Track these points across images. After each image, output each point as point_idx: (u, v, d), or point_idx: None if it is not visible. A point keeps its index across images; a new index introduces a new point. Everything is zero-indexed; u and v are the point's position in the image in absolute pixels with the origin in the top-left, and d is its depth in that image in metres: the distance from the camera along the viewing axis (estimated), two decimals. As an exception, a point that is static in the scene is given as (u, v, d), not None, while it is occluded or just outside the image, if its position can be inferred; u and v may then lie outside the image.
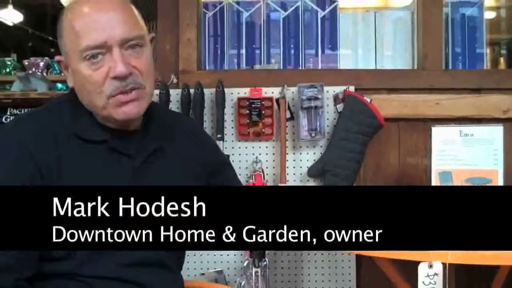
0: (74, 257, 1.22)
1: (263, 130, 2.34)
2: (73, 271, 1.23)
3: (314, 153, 2.35)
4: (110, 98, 1.23)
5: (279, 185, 2.30)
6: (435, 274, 1.32)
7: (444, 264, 1.33)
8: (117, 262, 1.24)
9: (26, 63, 3.33)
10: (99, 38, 1.21)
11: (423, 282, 1.32)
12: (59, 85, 3.08)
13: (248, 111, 2.34)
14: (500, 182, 1.83)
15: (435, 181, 1.89)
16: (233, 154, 2.34)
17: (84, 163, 1.25)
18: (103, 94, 1.23)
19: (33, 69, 3.24)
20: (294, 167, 2.36)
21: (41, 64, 3.30)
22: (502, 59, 2.73)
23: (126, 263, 1.25)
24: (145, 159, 1.30)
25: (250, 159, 2.35)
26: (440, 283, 1.31)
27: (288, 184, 2.32)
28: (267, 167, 2.35)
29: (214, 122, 2.35)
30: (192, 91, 2.32)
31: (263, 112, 2.33)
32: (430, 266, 1.34)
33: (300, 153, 2.36)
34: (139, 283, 1.26)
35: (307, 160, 2.35)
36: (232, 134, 2.37)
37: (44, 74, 3.23)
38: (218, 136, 2.31)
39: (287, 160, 2.33)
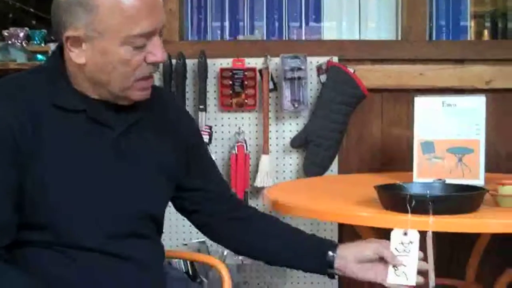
0: (52, 227, 1.21)
1: (246, 101, 2.32)
2: (51, 241, 1.22)
3: (297, 124, 2.34)
4: (136, 82, 1.24)
5: (262, 155, 2.30)
6: (410, 242, 1.30)
7: (421, 233, 1.33)
8: (95, 232, 1.24)
9: (6, 33, 3.27)
10: (152, 25, 1.21)
11: (396, 248, 1.30)
12: (39, 56, 3.03)
13: (230, 82, 2.32)
14: (481, 152, 1.83)
15: (417, 151, 1.88)
16: (215, 125, 2.33)
17: (63, 134, 1.23)
18: (133, 77, 1.23)
19: (13, 40, 3.18)
20: (277, 138, 2.35)
21: (21, 34, 3.24)
22: (486, 32, 2.72)
23: (104, 233, 1.24)
24: (125, 129, 1.28)
25: (233, 130, 2.34)
26: (415, 252, 1.29)
27: (270, 155, 2.31)
28: (249, 138, 2.34)
29: (196, 93, 2.33)
30: (174, 61, 2.30)
31: (246, 83, 2.32)
32: (405, 234, 1.32)
33: (283, 124, 2.35)
34: (118, 254, 1.26)
35: (290, 131, 2.35)
36: (215, 105, 2.35)
37: (24, 44, 3.18)
38: (201, 107, 2.30)
39: (270, 131, 2.33)
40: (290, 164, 2.36)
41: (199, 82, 2.31)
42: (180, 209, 1.46)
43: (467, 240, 2.08)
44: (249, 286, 2.37)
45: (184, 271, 2.23)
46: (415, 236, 1.31)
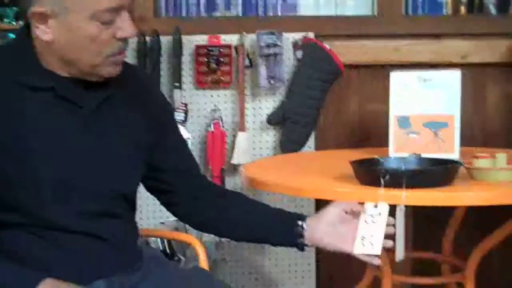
0: (22, 207, 1.20)
1: (222, 78, 2.30)
2: (22, 221, 1.21)
3: (274, 101, 2.33)
4: (106, 58, 1.21)
5: (239, 132, 2.29)
6: (379, 214, 1.31)
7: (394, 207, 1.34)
8: (66, 212, 1.22)
9: (-24, 12, 3.20)
10: (120, 1, 1.19)
11: (365, 221, 1.32)
12: (11, 35, 2.97)
13: (206, 59, 2.29)
14: (457, 126, 1.84)
15: (393, 126, 1.89)
16: (191, 103, 2.31)
17: (30, 112, 1.21)
18: (103, 53, 1.21)
19: (-17, 18, 3.11)
20: (253, 115, 2.34)
21: (-8, 13, 3.17)
22: (462, 7, 2.72)
23: (76, 213, 1.23)
24: (96, 107, 1.26)
25: (209, 108, 2.32)
26: (383, 223, 1.30)
27: (247, 132, 2.31)
28: (226, 115, 2.33)
29: (171, 70, 2.30)
30: (148, 39, 2.26)
31: (222, 60, 2.29)
32: (375, 206, 1.33)
33: (260, 101, 2.34)
34: (90, 233, 1.25)
35: (267, 108, 2.33)
36: (190, 83, 2.33)
37: (-5, 23, 3.11)
38: (176, 84, 2.28)
39: (247, 108, 2.32)
40: (267, 141, 2.36)
41: (174, 60, 2.28)
42: (149, 187, 1.44)
43: (444, 213, 2.10)
44: (228, 263, 2.38)
45: (161, 249, 2.24)
46: (384, 208, 1.32)
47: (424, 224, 2.43)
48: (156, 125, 1.37)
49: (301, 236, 1.36)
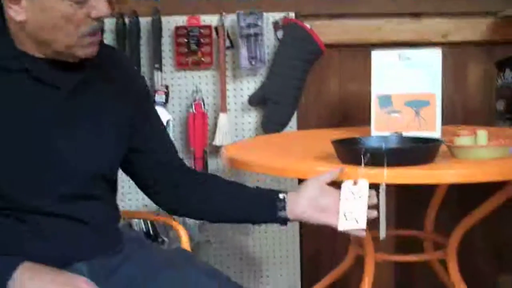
0: (5, 192, 1.19)
1: (202, 59, 2.28)
2: (7, 207, 1.20)
3: (255, 82, 2.32)
4: (81, 38, 1.19)
5: (220, 113, 2.28)
6: (359, 190, 1.32)
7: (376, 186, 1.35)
8: (44, 195, 1.21)
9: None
10: None
11: (346, 198, 1.32)
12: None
13: (186, 40, 2.27)
14: (438, 105, 1.84)
15: (374, 106, 1.88)
16: (172, 85, 2.29)
17: (4, 95, 1.19)
18: (78, 33, 1.18)
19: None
20: (234, 96, 2.33)
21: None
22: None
23: (54, 195, 1.22)
24: (73, 89, 1.24)
25: (190, 89, 2.30)
26: (365, 198, 1.31)
27: (228, 113, 2.29)
28: (207, 97, 2.31)
29: (151, 52, 2.28)
30: (127, 20, 2.23)
31: (202, 41, 2.27)
32: (355, 183, 1.34)
33: (241, 82, 2.33)
34: (70, 216, 1.24)
35: (248, 89, 2.32)
36: (171, 65, 2.31)
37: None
38: (156, 66, 2.26)
39: (228, 89, 2.30)
40: (249, 122, 2.35)
41: (153, 41, 2.26)
42: (126, 171, 1.43)
43: (427, 192, 2.11)
44: (212, 244, 2.38)
45: (144, 231, 2.23)
46: (364, 185, 1.33)
47: (407, 203, 2.45)
48: (134, 108, 1.35)
49: (283, 209, 1.36)
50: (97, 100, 1.29)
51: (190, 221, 2.21)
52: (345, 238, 2.04)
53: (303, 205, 1.35)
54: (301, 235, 2.41)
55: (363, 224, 1.30)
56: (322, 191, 1.35)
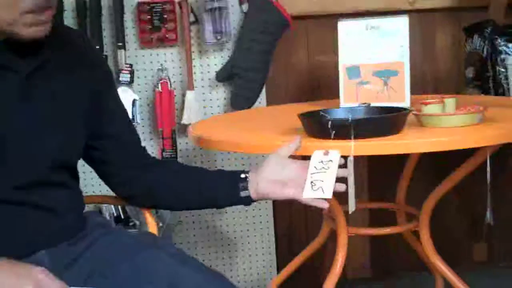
0: None
1: (167, 35, 2.24)
2: None
3: (222, 57, 2.28)
4: (23, 15, 1.13)
5: (187, 91, 2.24)
6: (330, 160, 1.30)
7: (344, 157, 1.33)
8: (3, 182, 1.17)
9: None
10: None
11: (315, 167, 1.30)
12: None
13: (149, 17, 2.22)
14: (406, 74, 1.82)
15: (343, 77, 1.86)
16: (136, 63, 2.24)
17: None
18: (18, 9, 1.12)
19: None
20: (201, 73, 2.29)
21: None
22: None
23: (14, 183, 1.18)
24: (31, 72, 1.20)
25: (155, 67, 2.26)
26: (334, 168, 1.29)
27: (196, 90, 2.26)
28: (173, 74, 2.27)
29: (113, 30, 2.22)
30: (87, -2, 2.18)
31: (165, 16, 2.22)
32: (326, 153, 1.32)
33: (207, 58, 2.29)
34: (30, 203, 1.20)
35: (215, 65, 2.28)
36: (134, 42, 2.26)
37: None
38: (119, 44, 2.21)
39: (194, 66, 2.26)
40: (217, 99, 2.32)
41: (115, 19, 2.20)
42: (88, 159, 1.39)
43: (399, 163, 2.10)
44: (184, 225, 2.36)
45: (115, 215, 2.20)
46: (335, 155, 1.31)
47: (379, 175, 2.45)
48: (94, 91, 1.31)
49: (245, 189, 1.34)
50: (56, 84, 1.24)
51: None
52: (318, 214, 2.03)
53: (266, 181, 1.33)
54: (274, 213, 2.40)
55: (329, 194, 1.27)
56: (284, 164, 1.33)
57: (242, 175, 1.35)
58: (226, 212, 2.37)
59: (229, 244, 2.40)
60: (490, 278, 2.47)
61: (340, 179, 1.32)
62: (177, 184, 1.39)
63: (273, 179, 1.32)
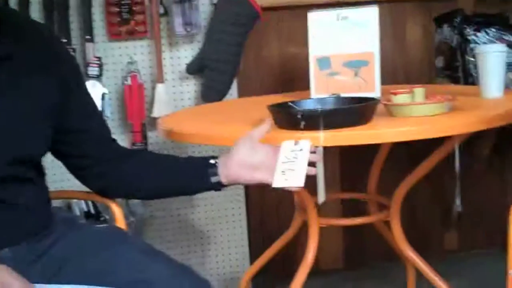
0: None
1: (136, 28, 2.22)
2: None
3: (192, 49, 2.27)
4: None
5: (157, 84, 2.22)
6: (300, 150, 1.30)
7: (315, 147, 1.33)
8: None
9: None
10: None
11: (285, 156, 1.29)
12: None
13: (118, 9, 2.20)
14: (376, 64, 1.83)
15: (313, 68, 1.86)
16: (105, 56, 2.22)
17: None
18: None
19: None
20: (172, 65, 2.28)
21: None
22: None
23: None
24: None
25: (124, 60, 2.24)
26: (305, 158, 1.28)
27: (166, 83, 2.24)
28: (143, 67, 2.25)
29: (81, 23, 2.20)
30: (54, -10, 2.15)
31: (134, 8, 2.20)
32: (296, 143, 1.32)
33: (178, 50, 2.28)
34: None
35: (185, 57, 2.27)
36: (103, 35, 2.23)
37: None
38: (87, 37, 2.18)
39: (164, 58, 2.25)
40: (188, 92, 2.31)
41: (83, 11, 2.18)
42: (56, 153, 1.38)
43: (371, 153, 2.11)
44: (156, 219, 2.34)
45: (85, 210, 2.18)
46: (305, 145, 1.30)
47: (352, 165, 2.46)
48: (62, 85, 1.29)
49: (215, 175, 1.34)
50: (22, 79, 1.22)
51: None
52: (290, 205, 2.04)
53: (235, 166, 1.32)
54: (247, 205, 2.40)
55: (300, 183, 1.26)
56: (254, 148, 1.32)
57: (212, 161, 1.35)
58: (199, 206, 2.37)
59: (201, 238, 2.39)
60: (461, 266, 2.50)
61: (311, 165, 1.31)
62: (148, 173, 1.38)
63: (244, 163, 1.32)
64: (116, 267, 1.17)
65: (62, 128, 1.32)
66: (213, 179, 1.34)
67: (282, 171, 1.28)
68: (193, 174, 1.36)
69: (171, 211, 2.36)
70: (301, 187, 1.27)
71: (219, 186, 1.36)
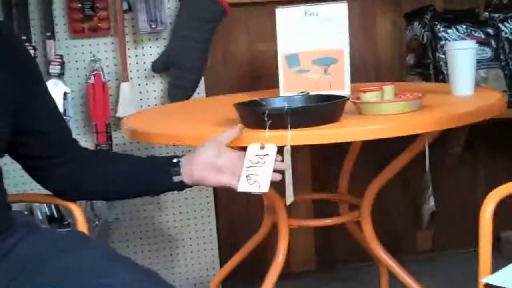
0: None
1: (99, 24, 2.19)
2: None
3: (158, 46, 2.25)
4: None
5: (122, 83, 2.20)
6: (266, 154, 1.31)
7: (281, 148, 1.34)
8: None
9: None
10: None
11: (250, 160, 1.31)
12: None
13: (80, 5, 2.17)
14: (346, 61, 1.82)
15: (282, 66, 1.85)
16: (67, 54, 2.19)
17: None
18: None
19: None
20: (137, 63, 2.26)
21: None
22: None
23: None
24: None
25: (87, 58, 2.21)
26: (270, 163, 1.30)
27: (131, 82, 2.22)
28: (107, 65, 2.23)
29: (41, 19, 2.16)
30: (13, -13, 2.12)
31: (97, 4, 2.17)
32: (262, 148, 1.33)
33: (143, 48, 2.25)
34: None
35: (151, 55, 2.25)
36: (65, 32, 2.20)
37: None
38: (48, 34, 2.15)
39: (129, 56, 2.22)
40: (154, 91, 2.28)
41: (43, 7, 2.14)
42: (14, 154, 1.35)
43: (341, 153, 2.11)
44: (121, 223, 2.32)
45: (48, 214, 2.15)
46: (271, 149, 1.32)
47: (323, 165, 2.46)
48: (21, 84, 1.27)
49: (178, 174, 1.34)
50: None
51: (97, 199, 2.15)
52: (260, 206, 2.03)
53: (200, 166, 1.33)
54: (216, 207, 2.39)
55: (265, 189, 1.29)
56: (220, 151, 1.33)
57: (175, 160, 1.35)
58: (166, 208, 2.35)
59: (169, 241, 2.37)
60: (434, 267, 2.52)
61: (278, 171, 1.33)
62: (110, 173, 1.38)
63: (208, 164, 1.32)
64: (78, 273, 1.15)
65: (21, 129, 1.30)
66: (176, 179, 1.34)
67: (247, 176, 1.30)
68: (156, 173, 1.35)
69: (138, 213, 2.33)
70: (264, 192, 1.29)
71: (181, 186, 1.35)
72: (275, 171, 1.31)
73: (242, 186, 1.30)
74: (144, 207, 2.33)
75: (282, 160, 1.34)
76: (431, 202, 1.65)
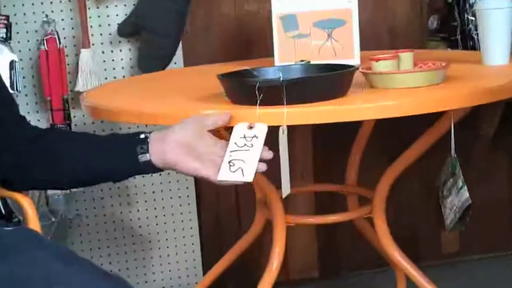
0: None
1: (53, -21, 2.20)
2: None
3: (125, 5, 2.26)
4: None
5: (82, 50, 2.20)
6: (255, 136, 1.31)
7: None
8: None
9: None
10: None
11: (235, 143, 1.31)
12: None
13: (30, -47, 2.18)
14: (355, 24, 1.83)
15: (277, 29, 1.86)
16: (14, 14, 2.20)
17: None
18: None
19: None
20: (100, 26, 2.27)
21: None
22: None
23: None
24: None
25: (39, 19, 2.21)
26: (259, 147, 1.30)
27: (93, 48, 2.22)
28: (63, 28, 2.24)
29: (-18, -27, 2.17)
30: None
31: (51, -46, 2.18)
32: (250, 128, 1.33)
33: (107, 7, 2.26)
34: None
35: (117, 15, 2.26)
36: (11, -13, 2.21)
37: None
38: (-9, -9, 2.15)
39: (90, 17, 2.23)
40: (121, 59, 2.29)
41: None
42: None
43: (349, 136, 2.12)
44: (83, 219, 2.33)
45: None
46: (261, 130, 1.32)
47: (326, 150, 2.47)
48: None
49: (145, 152, 1.32)
50: None
51: (51, 191, 2.17)
52: (252, 201, 2.04)
53: (176, 147, 1.31)
54: (198, 203, 2.40)
55: (249, 178, 1.29)
56: (201, 135, 1.32)
57: (142, 136, 1.33)
58: (137, 202, 2.36)
59: (141, 242, 2.39)
60: (462, 273, 2.54)
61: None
62: (63, 154, 1.37)
63: (186, 146, 1.31)
64: (26, 276, 1.15)
65: None
66: (142, 158, 1.32)
67: (230, 162, 1.29)
68: (117, 153, 1.34)
69: (103, 209, 2.35)
70: (248, 182, 1.29)
71: (149, 168, 1.34)
72: (260, 160, 1.31)
73: (223, 174, 1.29)
74: (111, 200, 2.34)
75: (270, 147, 1.34)
76: (465, 194, 1.64)
